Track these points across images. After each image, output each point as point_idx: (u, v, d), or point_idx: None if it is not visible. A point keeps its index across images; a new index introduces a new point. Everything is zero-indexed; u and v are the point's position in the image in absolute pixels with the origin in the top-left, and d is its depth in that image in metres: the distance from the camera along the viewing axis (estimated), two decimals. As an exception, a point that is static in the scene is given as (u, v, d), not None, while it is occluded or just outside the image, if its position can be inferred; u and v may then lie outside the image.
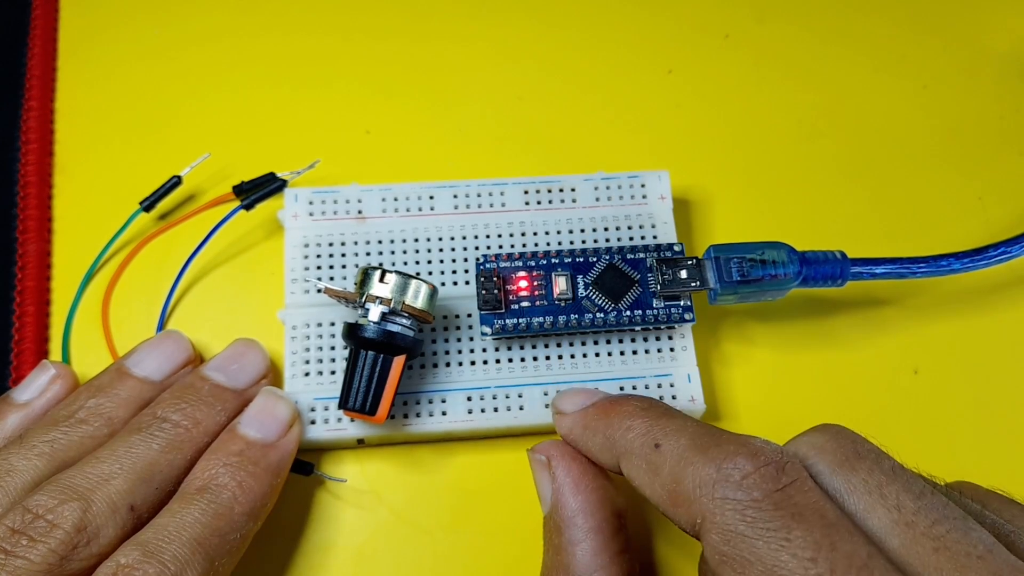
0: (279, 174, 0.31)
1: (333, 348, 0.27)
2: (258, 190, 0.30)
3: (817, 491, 0.19)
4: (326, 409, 0.27)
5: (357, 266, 0.28)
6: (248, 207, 0.30)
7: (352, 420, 0.26)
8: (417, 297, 0.25)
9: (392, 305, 0.25)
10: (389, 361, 0.25)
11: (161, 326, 0.29)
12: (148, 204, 0.30)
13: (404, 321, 0.25)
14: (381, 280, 0.25)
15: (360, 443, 0.27)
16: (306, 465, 0.27)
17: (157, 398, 0.25)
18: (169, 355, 0.26)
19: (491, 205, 0.30)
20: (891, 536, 0.18)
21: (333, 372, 0.27)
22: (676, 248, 0.28)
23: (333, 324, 0.28)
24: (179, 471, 0.23)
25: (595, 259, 0.28)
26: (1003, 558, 0.17)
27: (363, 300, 0.25)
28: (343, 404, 0.25)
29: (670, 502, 0.20)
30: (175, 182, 0.30)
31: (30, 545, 0.20)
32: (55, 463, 0.23)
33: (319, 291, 0.26)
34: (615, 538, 0.23)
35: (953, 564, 0.17)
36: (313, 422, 0.27)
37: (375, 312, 0.25)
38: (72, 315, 0.29)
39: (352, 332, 0.25)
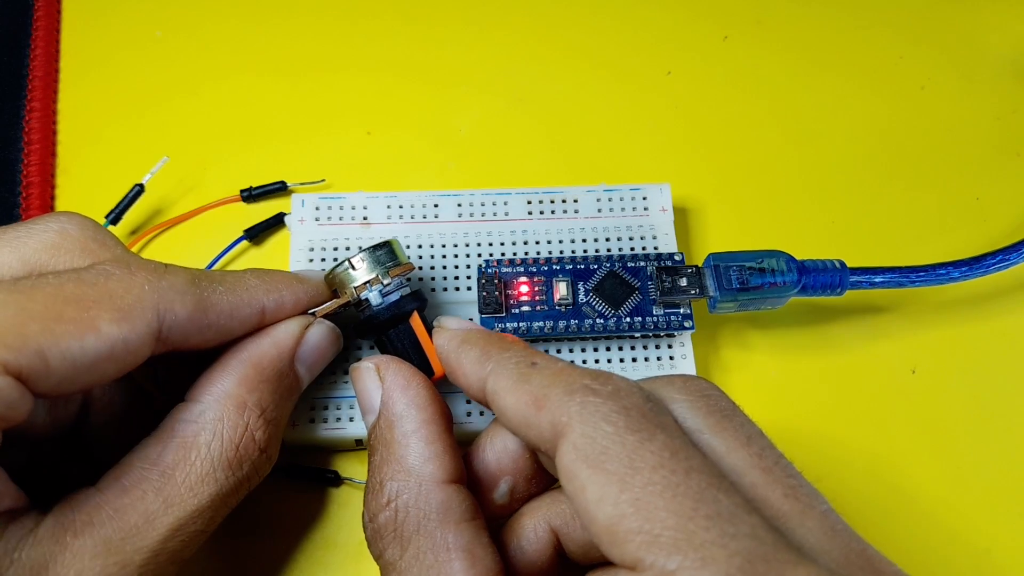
0: (290, 184, 0.32)
1: (334, 349, 0.28)
2: (265, 197, 0.31)
3: (677, 423, 0.19)
4: (325, 409, 0.27)
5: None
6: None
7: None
8: (392, 257, 0.26)
9: (382, 279, 0.25)
10: (408, 327, 0.25)
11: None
12: (114, 217, 0.30)
13: (396, 284, 0.26)
14: (355, 268, 0.25)
15: (359, 444, 0.27)
16: (330, 474, 0.27)
17: None
18: None
19: (494, 214, 0.30)
20: (747, 474, 0.19)
21: (333, 373, 0.27)
22: (676, 257, 0.29)
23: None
24: None
25: (596, 266, 0.28)
26: (842, 520, 0.19)
27: (358, 295, 0.25)
28: None
29: (534, 406, 0.20)
30: (138, 190, 0.30)
31: None
32: None
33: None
34: (449, 431, 0.23)
35: (799, 512, 0.18)
36: (312, 421, 0.27)
37: (376, 296, 0.25)
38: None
39: (369, 327, 0.25)
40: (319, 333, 0.25)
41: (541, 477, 0.23)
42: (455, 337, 0.23)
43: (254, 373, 0.22)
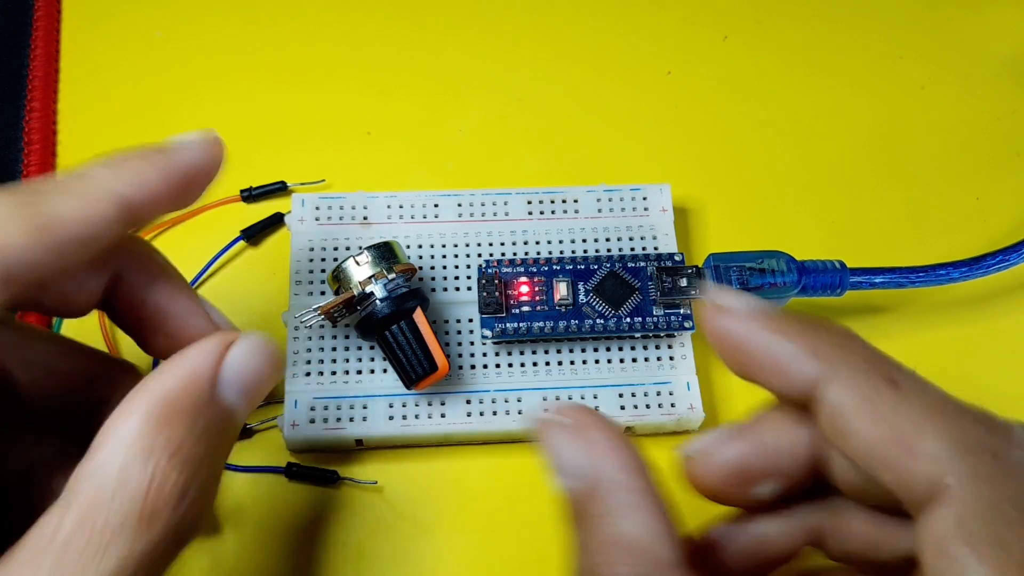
0: (290, 184, 0.32)
1: (335, 349, 0.28)
2: (266, 197, 0.31)
3: None
4: (325, 409, 0.27)
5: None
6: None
7: (423, 390, 0.27)
8: (395, 256, 0.26)
9: (387, 274, 0.26)
10: (412, 321, 0.26)
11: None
12: None
13: (400, 280, 0.26)
14: (359, 264, 0.26)
15: (359, 444, 0.27)
16: (330, 474, 0.27)
17: None
18: None
19: (495, 214, 0.30)
20: None
21: (334, 372, 0.27)
22: (676, 258, 0.29)
23: (335, 326, 0.28)
24: None
25: (596, 266, 0.28)
26: None
27: (362, 290, 0.26)
28: (409, 382, 0.26)
29: (899, 446, 0.16)
30: None
31: None
32: None
33: (321, 316, 0.26)
34: (666, 503, 0.18)
35: None
36: (312, 421, 0.27)
37: (380, 290, 0.26)
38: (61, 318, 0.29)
39: (372, 323, 0.26)
40: (245, 350, 0.19)
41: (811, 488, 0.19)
42: (758, 319, 0.18)
43: (162, 408, 0.18)
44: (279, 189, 0.31)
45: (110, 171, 0.19)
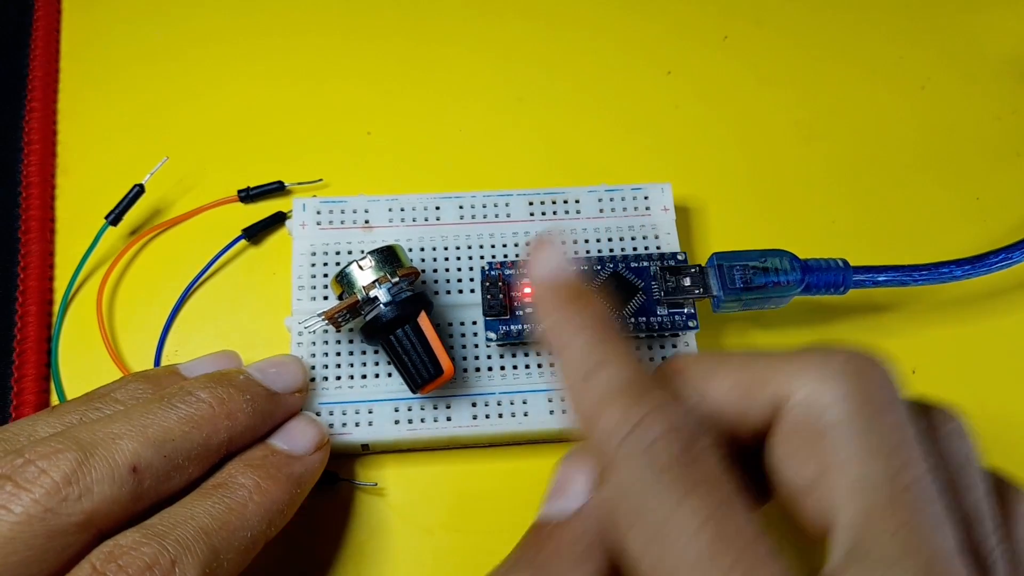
0: (287, 184, 0.31)
1: (339, 354, 0.28)
2: (263, 197, 0.31)
3: (720, 463, 0.18)
4: (331, 414, 0.27)
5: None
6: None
7: (428, 393, 0.27)
8: (398, 259, 0.26)
9: (390, 278, 0.26)
10: (416, 325, 0.26)
11: (167, 330, 0.29)
12: (114, 217, 0.29)
13: (404, 284, 0.26)
14: (362, 268, 0.26)
15: (364, 448, 0.27)
16: (330, 475, 0.27)
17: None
18: (223, 367, 0.26)
19: (496, 216, 0.30)
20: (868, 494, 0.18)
21: (338, 377, 0.27)
22: (679, 257, 0.29)
23: (339, 331, 0.28)
24: (194, 447, 0.22)
25: (599, 267, 0.28)
26: None
27: (366, 295, 0.26)
28: (415, 386, 0.26)
29: (583, 433, 0.19)
30: (137, 191, 0.30)
31: (14, 491, 0.19)
32: None
33: (325, 321, 0.26)
34: None
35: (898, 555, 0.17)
36: (318, 426, 0.27)
37: (384, 294, 0.25)
38: (62, 318, 0.29)
39: (376, 328, 0.26)
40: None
41: None
42: (543, 294, 0.21)
43: None
44: (276, 189, 0.31)
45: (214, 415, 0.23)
